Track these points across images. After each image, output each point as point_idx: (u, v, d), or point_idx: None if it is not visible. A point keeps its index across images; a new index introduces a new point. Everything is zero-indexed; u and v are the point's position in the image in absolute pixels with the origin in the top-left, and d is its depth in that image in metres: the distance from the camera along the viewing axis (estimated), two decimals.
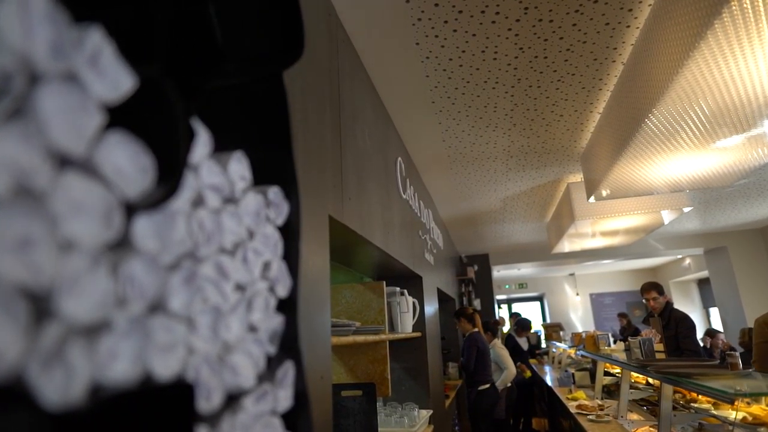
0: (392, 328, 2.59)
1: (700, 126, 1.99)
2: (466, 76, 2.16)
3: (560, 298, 11.15)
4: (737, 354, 2.04)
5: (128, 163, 0.40)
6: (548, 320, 11.00)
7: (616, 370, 4.19)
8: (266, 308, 0.61)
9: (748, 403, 2.08)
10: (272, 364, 0.61)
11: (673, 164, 2.39)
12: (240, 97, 0.70)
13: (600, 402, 3.38)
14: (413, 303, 2.85)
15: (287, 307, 0.66)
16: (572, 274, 10.96)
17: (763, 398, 2.17)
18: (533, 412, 6.01)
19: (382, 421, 2.38)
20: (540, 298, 11.73)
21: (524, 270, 9.42)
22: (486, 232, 5.79)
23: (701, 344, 5.90)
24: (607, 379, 4.04)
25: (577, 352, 4.82)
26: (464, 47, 1.94)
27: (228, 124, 0.69)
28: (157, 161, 0.43)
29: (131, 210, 0.41)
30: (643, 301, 3.75)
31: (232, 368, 0.51)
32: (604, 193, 2.78)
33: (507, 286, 11.32)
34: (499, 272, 9.12)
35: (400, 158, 2.57)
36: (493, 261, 7.42)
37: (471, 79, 2.18)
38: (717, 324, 7.96)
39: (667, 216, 3.97)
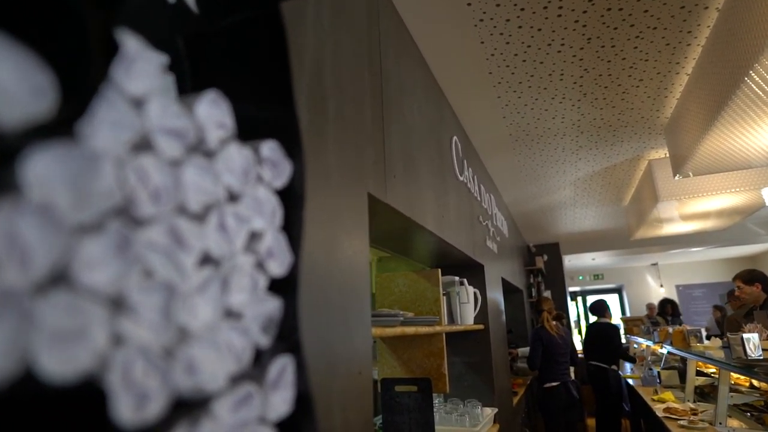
0: (451, 319, 2.42)
1: None
2: (526, 40, 1.93)
3: (641, 290, 10.29)
4: None
5: (15, 80, 0.29)
6: (628, 314, 10.21)
7: (711, 369, 3.72)
8: (253, 289, 0.49)
9: None
10: (263, 359, 0.49)
11: None
12: (230, 43, 0.58)
13: (692, 405, 2.99)
14: (474, 293, 2.65)
15: (284, 288, 0.53)
16: (655, 264, 10.08)
17: None
18: (620, 416, 5.50)
19: (441, 419, 2.23)
20: (618, 290, 10.92)
21: (600, 260, 8.78)
22: (555, 219, 5.40)
23: None
24: (700, 380, 3.60)
25: (661, 349, 4.36)
26: (523, 4, 1.72)
27: (215, 72, 0.57)
28: (61, 80, 0.31)
29: (20, 143, 0.29)
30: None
31: (187, 365, 0.38)
32: (693, 168, 2.42)
33: (581, 278, 10.65)
34: (570, 262, 8.57)
35: (455, 137, 2.38)
36: (564, 250, 6.96)
37: (532, 42, 1.95)
38: None
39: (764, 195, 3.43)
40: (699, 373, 3.72)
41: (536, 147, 3.13)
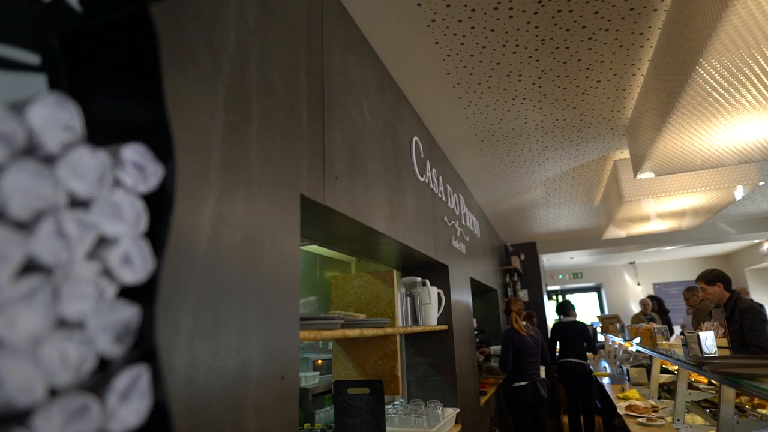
0: (414, 320, 2.42)
1: (762, 79, 1.65)
2: (480, 41, 1.93)
3: (619, 289, 10.45)
4: None
5: None
6: (607, 312, 10.35)
7: (675, 367, 3.78)
8: (97, 297, 0.47)
9: None
10: (110, 369, 0.47)
11: (732, 130, 2.04)
12: (102, 44, 0.56)
13: (654, 403, 3.04)
14: (438, 294, 2.66)
15: (143, 295, 0.51)
16: (632, 263, 10.23)
17: None
18: (591, 410, 5.61)
19: (401, 420, 2.23)
20: (597, 289, 11.07)
21: (579, 259, 8.89)
22: (530, 219, 5.44)
23: None
24: (666, 377, 3.66)
25: (631, 347, 4.42)
26: (473, 5, 1.71)
27: (87, 73, 0.55)
28: None
29: None
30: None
31: None
32: (651, 169, 2.45)
33: (560, 276, 10.76)
34: (549, 261, 8.66)
35: (416, 138, 2.37)
36: (541, 249, 7.02)
37: (487, 43, 1.95)
38: None
39: (735, 194, 3.50)
40: (665, 371, 3.79)
41: (503, 147, 3.14)
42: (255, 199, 0.98)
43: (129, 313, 0.50)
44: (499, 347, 4.40)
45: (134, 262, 0.51)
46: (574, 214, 5.32)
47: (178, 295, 0.74)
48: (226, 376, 0.83)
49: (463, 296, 3.17)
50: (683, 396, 2.64)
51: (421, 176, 2.40)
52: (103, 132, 0.51)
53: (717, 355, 2.47)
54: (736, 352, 3.22)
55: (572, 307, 5.48)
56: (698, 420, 2.76)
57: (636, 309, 10.18)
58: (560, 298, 11.33)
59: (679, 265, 10.03)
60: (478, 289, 5.11)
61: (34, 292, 0.41)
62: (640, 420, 2.63)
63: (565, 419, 6.66)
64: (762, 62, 1.56)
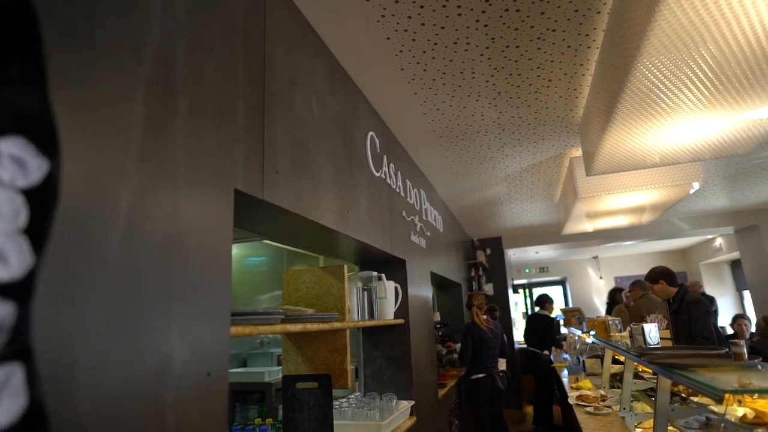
0: (371, 314, 2.43)
1: (701, 80, 1.72)
2: (432, 37, 1.94)
3: (583, 282, 10.76)
4: (742, 343, 1.79)
5: None
6: (571, 305, 10.64)
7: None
8: None
9: (739, 401, 1.83)
10: None
11: (674, 130, 2.12)
12: None
13: (603, 392, 3.15)
14: (395, 288, 2.68)
15: (17, 292, 0.50)
16: (596, 257, 10.54)
17: None
18: (551, 399, 5.81)
19: (354, 414, 2.24)
20: (562, 282, 11.36)
21: (545, 253, 9.09)
22: (495, 214, 5.53)
23: (731, 331, 5.54)
24: (617, 368, 3.79)
25: (588, 339, 4.57)
26: (422, 2, 1.72)
27: None
28: None
29: None
30: None
31: None
32: (600, 167, 2.52)
33: (527, 270, 10.99)
34: (515, 255, 8.84)
35: (372, 133, 2.38)
36: (507, 244, 7.15)
37: (438, 40, 1.96)
38: (750, 308, 7.49)
39: (685, 191, 3.64)
40: (617, 362, 3.92)
41: (462, 144, 3.18)
42: (181, 193, 0.97)
43: (2, 311, 0.49)
44: None
45: (9, 258, 0.50)
46: (537, 210, 5.44)
47: (85, 291, 0.73)
48: (142, 372, 0.82)
49: (422, 290, 3.20)
50: (629, 385, 2.74)
51: (377, 171, 2.41)
52: None
53: (659, 345, 2.58)
54: (683, 343, 3.37)
55: (548, 301, 5.87)
56: (646, 408, 2.88)
57: (599, 302, 10.52)
58: (527, 292, 11.59)
59: (639, 259, 10.38)
60: (442, 284, 5.18)
61: None
62: (587, 409, 2.73)
63: (528, 409, 6.85)
64: (698, 65, 1.63)
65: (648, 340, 2.57)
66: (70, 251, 0.71)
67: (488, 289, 6.45)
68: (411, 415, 2.58)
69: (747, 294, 8.37)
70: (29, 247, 0.53)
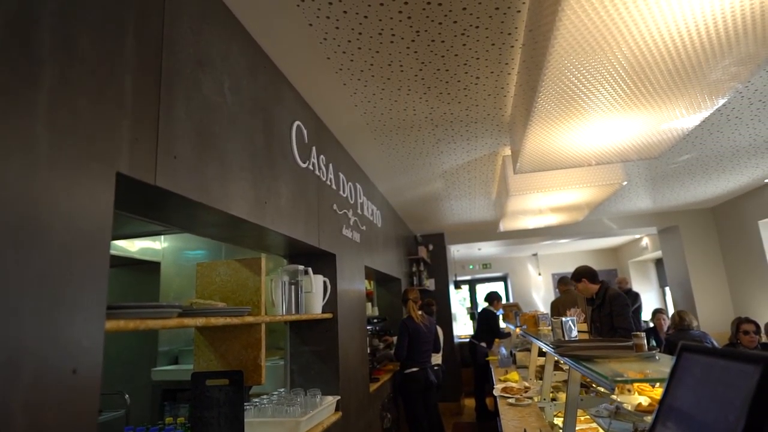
0: (297, 308, 2.38)
1: (613, 82, 1.79)
2: (355, 26, 1.91)
3: (523, 279, 11.16)
4: (642, 335, 1.89)
5: None
6: (512, 300, 11.01)
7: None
8: None
9: (629, 390, 1.94)
10: None
11: (590, 132, 2.21)
12: None
13: (528, 384, 3.26)
14: (324, 282, 2.64)
15: None
16: (535, 255, 10.95)
17: None
18: (484, 391, 6.00)
19: (274, 410, 2.18)
20: (504, 279, 11.72)
21: (487, 250, 9.34)
22: (436, 210, 5.60)
23: (651, 325, 5.92)
24: (543, 360, 3.94)
25: (520, 333, 4.72)
26: None
27: None
28: None
29: None
30: None
31: None
32: (525, 166, 2.59)
33: (471, 266, 11.25)
34: (459, 252, 9.02)
35: (299, 122, 2.32)
36: (449, 240, 7.28)
37: (363, 30, 1.93)
38: (671, 304, 8.04)
39: (609, 191, 3.82)
40: (544, 354, 4.08)
41: (396, 138, 3.17)
42: (41, 174, 0.87)
43: None
44: None
45: None
46: (476, 207, 5.55)
47: None
48: None
49: (353, 285, 3.18)
50: (550, 376, 2.85)
51: (303, 162, 2.35)
52: None
53: (576, 338, 2.69)
54: (606, 335, 3.54)
55: (496, 298, 6.24)
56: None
57: (537, 297, 10.95)
58: (467, 288, 11.88)
59: (575, 257, 10.88)
60: (382, 278, 5.19)
61: None
62: (510, 400, 2.81)
63: (466, 402, 7.03)
64: (608, 68, 1.69)
65: (566, 333, 2.68)
66: None
67: (429, 284, 6.53)
68: (337, 410, 2.55)
69: (668, 290, 8.99)
70: None
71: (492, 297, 6.44)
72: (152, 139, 1.22)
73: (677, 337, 4.64)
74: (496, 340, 6.33)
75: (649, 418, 1.74)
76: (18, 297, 0.81)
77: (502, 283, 11.84)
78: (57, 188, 0.91)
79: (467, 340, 7.95)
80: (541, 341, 2.70)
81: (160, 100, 1.27)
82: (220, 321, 1.49)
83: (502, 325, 8.21)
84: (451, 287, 7.55)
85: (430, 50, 2.11)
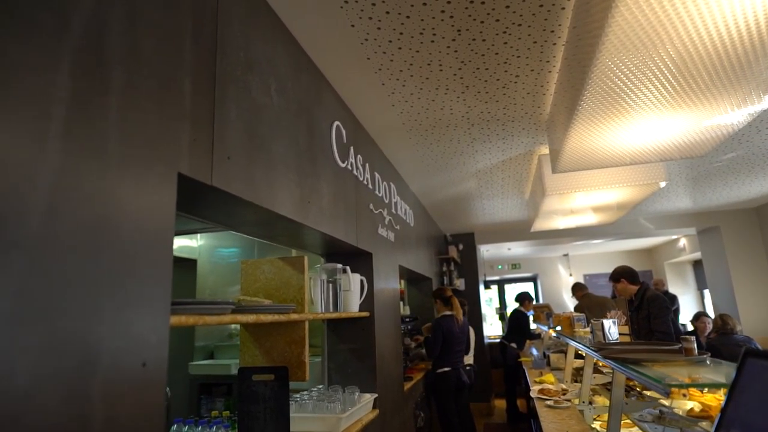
0: (335, 307, 2.41)
1: (662, 80, 1.74)
2: (397, 27, 1.91)
3: (554, 279, 10.96)
4: (692, 338, 1.84)
5: None
6: (541, 301, 10.83)
7: None
8: None
9: (684, 395, 1.88)
10: None
11: (635, 130, 2.15)
12: None
13: (565, 386, 3.20)
14: (361, 281, 2.66)
15: None
16: (566, 255, 10.74)
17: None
18: (515, 392, 5.94)
19: (315, 406, 2.22)
20: (533, 279, 11.54)
21: (517, 250, 9.21)
22: (468, 210, 5.56)
23: (692, 328, 5.73)
24: (580, 362, 3.86)
25: (554, 334, 4.64)
26: None
27: None
28: None
29: None
30: None
31: None
32: (565, 165, 2.55)
33: (500, 267, 11.13)
34: (488, 252, 8.93)
35: (338, 123, 2.34)
36: (480, 240, 7.21)
37: (404, 30, 1.93)
38: (710, 307, 7.76)
39: (650, 190, 3.72)
40: (580, 357, 4.00)
41: (432, 137, 3.16)
42: (113, 175, 0.91)
43: None
44: None
45: None
46: (509, 206, 5.49)
47: None
48: (63, 362, 0.78)
49: (388, 284, 3.19)
50: (588, 379, 2.80)
51: (343, 162, 2.37)
52: None
53: (618, 341, 2.63)
54: (644, 339, 3.45)
55: (527, 298, 6.30)
56: (606, 402, 2.94)
57: (567, 298, 10.73)
58: (496, 288, 11.74)
59: (607, 257, 10.63)
60: (413, 278, 5.19)
61: None
62: (548, 402, 2.76)
63: (497, 403, 6.96)
64: (654, 67, 1.64)
65: (607, 335, 2.62)
66: None
67: (459, 284, 6.49)
68: (374, 408, 2.57)
69: (707, 293, 8.67)
70: None
71: (523, 297, 6.42)
72: (208, 140, 1.26)
73: (720, 342, 4.48)
74: (527, 341, 6.27)
75: (705, 424, 1.69)
76: (94, 294, 0.85)
77: (531, 284, 11.66)
78: (126, 189, 0.95)
79: (497, 340, 7.89)
80: (580, 343, 2.65)
81: (215, 101, 1.31)
82: (268, 318, 1.52)
83: (533, 326, 8.11)
84: (481, 287, 7.48)
85: (471, 49, 2.10)
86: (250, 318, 1.42)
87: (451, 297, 4.12)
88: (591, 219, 4.68)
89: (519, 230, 7.04)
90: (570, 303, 10.60)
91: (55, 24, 0.82)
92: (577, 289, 5.92)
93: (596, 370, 3.23)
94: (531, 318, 8.50)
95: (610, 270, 10.67)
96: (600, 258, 10.63)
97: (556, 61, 2.23)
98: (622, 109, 1.95)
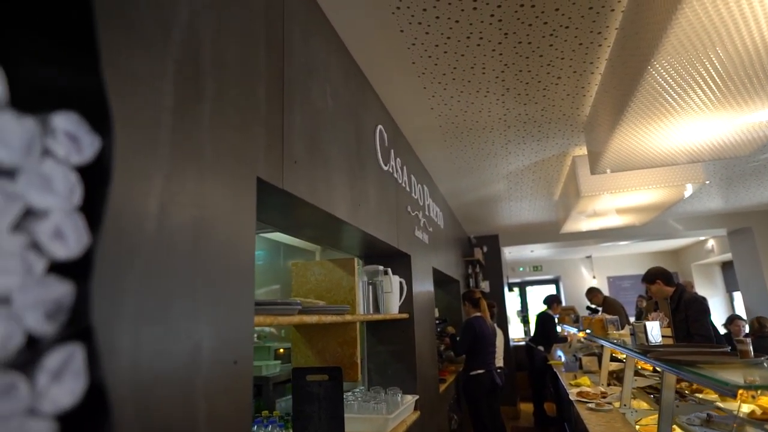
0: (376, 308, 2.43)
1: (710, 81, 1.73)
2: (445, 31, 1.93)
3: (576, 282, 10.82)
4: (748, 341, 1.81)
5: None
6: (563, 304, 10.72)
7: (623, 355, 3.97)
8: (25, 272, 0.44)
9: (753, 397, 1.86)
10: (39, 347, 0.45)
11: (681, 130, 2.13)
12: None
13: (603, 389, 3.18)
14: (400, 283, 2.68)
15: (77, 271, 0.49)
16: (589, 257, 10.61)
17: None
18: (543, 395, 5.88)
19: (360, 407, 2.24)
20: (555, 281, 11.43)
21: (538, 252, 9.14)
22: (494, 211, 5.55)
23: (724, 331, 5.63)
24: (615, 365, 3.83)
25: (584, 337, 4.60)
26: None
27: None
28: None
29: None
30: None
31: None
32: (607, 166, 2.53)
33: (521, 269, 11.04)
34: (510, 254, 8.87)
35: (381, 126, 2.37)
36: (504, 242, 7.17)
37: (452, 34, 1.96)
38: (740, 309, 7.60)
39: (683, 192, 3.68)
40: (614, 360, 3.96)
41: (467, 140, 3.18)
42: (207, 179, 0.95)
43: (61, 289, 0.48)
44: None
45: (67, 236, 0.49)
46: (535, 208, 5.46)
47: (122, 276, 0.72)
48: (174, 359, 0.81)
49: (424, 286, 3.21)
50: (630, 382, 2.77)
51: (385, 165, 2.40)
52: (29, 99, 0.48)
53: (661, 343, 2.60)
54: (681, 341, 3.40)
55: (555, 301, 6.33)
56: (643, 405, 2.91)
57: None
58: (521, 291, 11.65)
59: (632, 259, 10.48)
60: (440, 280, 5.18)
61: None
62: (589, 405, 2.75)
63: (522, 406, 6.90)
64: (708, 66, 1.64)
65: (650, 337, 2.59)
66: (108, 234, 0.69)
67: (484, 286, 6.47)
68: (415, 409, 2.58)
69: (736, 295, 8.49)
70: (85, 226, 0.51)
71: (551, 300, 6.38)
72: (279, 144, 1.29)
73: (757, 345, 4.40)
74: (554, 344, 6.22)
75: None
76: (194, 294, 0.89)
77: (553, 286, 11.54)
78: (217, 193, 0.98)
79: (521, 343, 7.84)
80: (623, 347, 2.63)
81: (283, 107, 1.34)
82: (329, 319, 1.55)
83: (558, 328, 8.04)
84: (505, 289, 7.44)
85: (516, 52, 2.11)
86: (313, 319, 1.45)
87: (480, 299, 4.12)
88: (623, 220, 4.63)
89: (544, 232, 6.99)
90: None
91: (160, 35, 0.86)
92: (596, 292, 5.97)
93: (637, 373, 3.19)
94: (556, 320, 8.44)
95: (634, 272, 10.55)
96: (624, 260, 10.48)
97: (599, 62, 2.23)
98: (672, 109, 1.93)
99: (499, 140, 3.21)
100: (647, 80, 1.73)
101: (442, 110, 2.69)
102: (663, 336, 2.73)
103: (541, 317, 6.29)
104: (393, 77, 2.29)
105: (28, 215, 0.47)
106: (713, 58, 1.59)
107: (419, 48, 2.05)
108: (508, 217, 5.93)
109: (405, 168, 2.88)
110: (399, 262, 2.81)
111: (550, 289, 11.53)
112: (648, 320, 2.85)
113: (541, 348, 6.00)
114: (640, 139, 2.21)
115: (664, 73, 1.66)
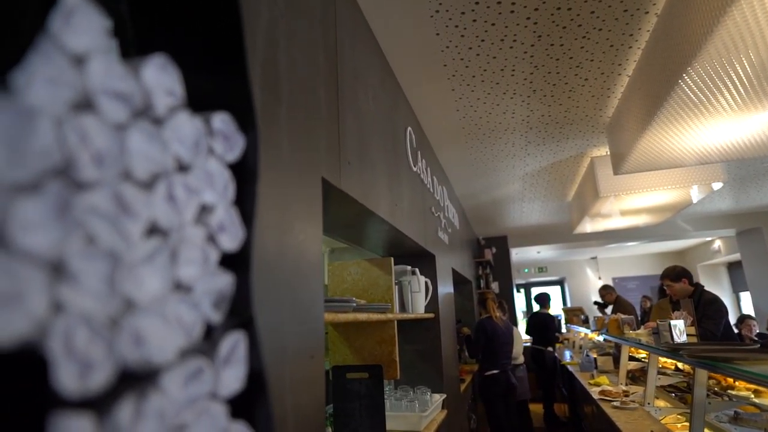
0: (403, 308, 2.45)
1: (740, 85, 1.77)
2: (480, 34, 1.97)
3: (581, 282, 10.86)
4: None
5: None
6: (569, 304, 10.74)
7: (641, 354, 3.99)
8: (204, 262, 0.47)
9: None
10: (214, 334, 0.48)
11: (709, 131, 2.17)
12: (178, 8, 0.56)
13: (624, 388, 3.20)
14: (426, 283, 2.70)
15: (237, 263, 0.52)
16: (594, 258, 10.65)
17: None
18: (554, 397, 5.89)
19: (392, 405, 2.26)
20: (560, 282, 11.46)
21: (544, 253, 9.16)
22: (504, 213, 5.58)
23: (735, 331, 5.66)
24: (632, 365, 3.85)
25: (597, 337, 4.63)
26: None
27: (162, 39, 0.55)
28: None
29: None
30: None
31: (134, 336, 0.37)
32: (630, 166, 2.57)
33: (526, 270, 11.07)
34: (516, 255, 8.90)
35: (410, 128, 2.40)
36: (512, 243, 7.21)
37: (486, 36, 1.99)
38: (747, 309, 7.64)
39: (699, 192, 3.71)
40: (632, 359, 3.98)
41: (487, 141, 3.21)
42: (283, 181, 0.98)
43: (225, 280, 0.51)
44: None
45: (228, 230, 0.52)
46: (546, 209, 5.49)
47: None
48: (269, 354, 0.84)
49: (446, 286, 3.23)
50: (653, 380, 2.80)
51: (414, 166, 2.43)
52: (193, 101, 0.51)
53: (687, 342, 2.63)
54: (704, 340, 3.44)
55: (549, 301, 6.09)
56: (664, 403, 2.94)
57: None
58: (524, 291, 11.67)
59: (637, 260, 10.52)
60: (455, 280, 5.21)
61: (155, 253, 0.42)
62: (614, 404, 2.77)
63: (531, 407, 6.91)
64: (739, 68, 1.67)
65: (675, 336, 2.62)
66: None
67: (494, 287, 6.49)
68: (442, 408, 2.61)
69: (743, 296, 8.52)
70: (240, 221, 0.54)
71: (545, 299, 6.33)
72: (336, 146, 1.32)
73: None
74: (558, 344, 6.24)
75: None
76: (278, 294, 0.91)
77: (558, 287, 11.58)
78: (292, 194, 1.01)
79: (528, 344, 7.85)
80: (649, 346, 2.65)
81: (338, 109, 1.37)
82: (375, 317, 1.57)
83: (563, 328, 8.06)
84: (514, 290, 7.47)
85: (547, 54, 2.14)
86: (363, 316, 1.48)
87: (486, 300, 4.13)
88: (637, 221, 4.67)
89: (552, 233, 7.02)
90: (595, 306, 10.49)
91: (250, 39, 0.89)
92: (610, 290, 5.93)
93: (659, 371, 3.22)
94: (562, 320, 8.46)
95: (638, 273, 10.54)
96: (629, 261, 10.51)
97: (627, 64, 2.26)
98: (704, 109, 1.97)
99: (520, 141, 3.24)
100: (680, 87, 1.76)
101: (467, 112, 2.73)
102: (687, 335, 2.76)
103: (542, 317, 6.23)
104: (422, 80, 2.32)
105: (203, 210, 0.50)
106: (744, 61, 1.62)
107: (452, 51, 2.08)
108: (518, 219, 5.96)
109: (429, 169, 2.91)
110: (424, 262, 2.83)
111: (555, 290, 11.56)
112: (671, 319, 2.88)
113: (550, 349, 6.01)
114: (668, 141, 2.24)
115: (703, 74, 1.70)
